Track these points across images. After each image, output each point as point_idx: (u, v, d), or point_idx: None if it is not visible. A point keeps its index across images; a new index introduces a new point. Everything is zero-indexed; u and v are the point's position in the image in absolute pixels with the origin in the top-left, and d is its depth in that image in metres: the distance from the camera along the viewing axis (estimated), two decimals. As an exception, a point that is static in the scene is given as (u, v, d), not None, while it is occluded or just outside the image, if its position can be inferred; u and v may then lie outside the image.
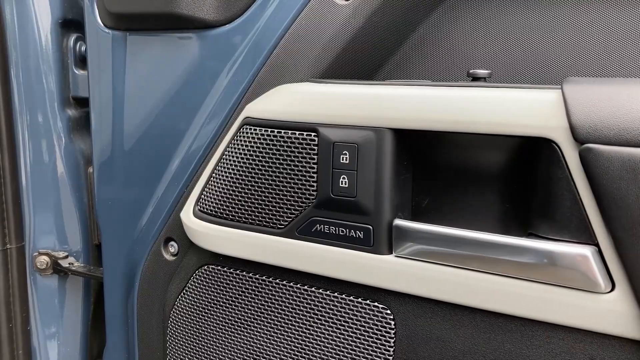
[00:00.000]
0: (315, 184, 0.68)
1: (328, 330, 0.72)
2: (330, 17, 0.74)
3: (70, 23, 1.04)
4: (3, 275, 1.02)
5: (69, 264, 1.05)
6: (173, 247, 0.86)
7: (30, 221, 1.05)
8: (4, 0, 0.99)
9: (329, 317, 0.71)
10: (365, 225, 0.65)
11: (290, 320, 0.74)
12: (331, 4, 0.74)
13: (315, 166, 0.68)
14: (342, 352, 0.71)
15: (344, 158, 0.65)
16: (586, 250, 0.56)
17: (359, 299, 0.69)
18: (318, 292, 0.72)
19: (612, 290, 0.55)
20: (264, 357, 0.78)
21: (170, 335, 0.86)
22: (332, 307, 0.71)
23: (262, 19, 0.78)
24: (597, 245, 0.56)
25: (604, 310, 0.56)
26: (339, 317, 0.71)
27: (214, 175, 0.77)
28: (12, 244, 1.03)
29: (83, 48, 1.06)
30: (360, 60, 0.77)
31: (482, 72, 0.66)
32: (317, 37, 0.74)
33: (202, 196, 0.78)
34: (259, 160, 0.72)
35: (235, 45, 0.80)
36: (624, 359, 0.57)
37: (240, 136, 0.74)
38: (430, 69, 0.79)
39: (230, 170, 0.75)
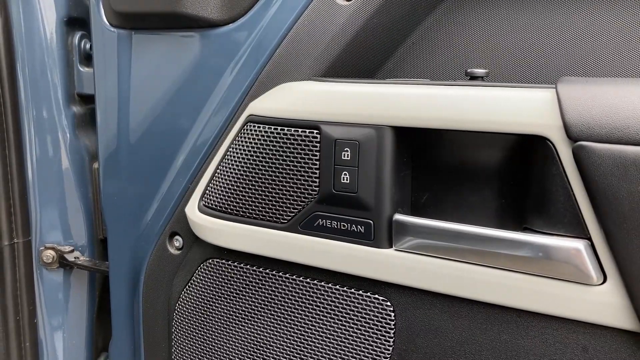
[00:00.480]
0: (317, 180, 0.70)
1: (330, 322, 0.74)
2: (332, 17, 0.75)
3: (75, 21, 1.06)
4: (10, 269, 1.04)
5: (75, 258, 1.07)
6: (178, 241, 0.88)
7: (36, 216, 1.06)
8: (11, -1, 1.01)
9: (331, 309, 0.74)
10: (366, 220, 0.67)
11: (293, 312, 0.77)
12: (333, 4, 0.75)
13: (317, 163, 0.70)
14: (344, 342, 0.73)
15: (346, 155, 0.67)
16: (579, 244, 0.58)
17: (360, 291, 0.71)
18: (320, 285, 0.74)
19: (603, 282, 0.57)
20: (267, 349, 0.80)
21: (175, 328, 0.88)
22: (334, 299, 0.73)
23: (265, 18, 0.80)
24: (589, 239, 0.58)
25: (596, 302, 0.58)
26: (341, 309, 0.73)
27: (218, 171, 0.79)
28: (19, 238, 1.05)
29: (88, 46, 1.08)
30: (361, 59, 0.79)
31: (479, 71, 0.68)
32: (319, 36, 0.76)
33: (207, 191, 0.80)
34: (263, 157, 0.74)
35: (238, 44, 0.82)
36: (615, 348, 0.59)
37: (244, 133, 0.76)
38: (429, 67, 0.81)
39: (235, 166, 0.77)
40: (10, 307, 1.04)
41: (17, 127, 1.04)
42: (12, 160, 1.04)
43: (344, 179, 0.68)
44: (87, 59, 1.08)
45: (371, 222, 0.67)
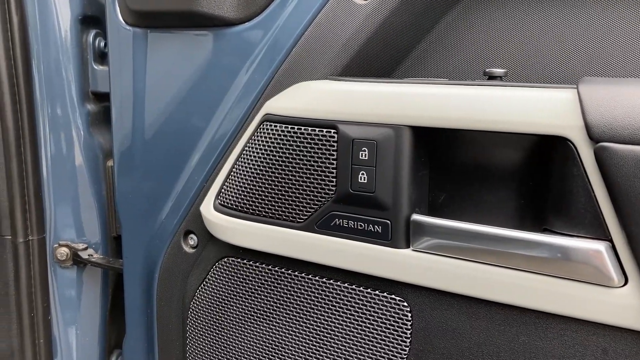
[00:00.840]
0: (334, 180, 0.70)
1: (346, 322, 0.74)
2: (349, 17, 0.75)
3: (90, 19, 1.06)
4: (25, 267, 1.04)
5: (89, 255, 1.07)
6: (193, 239, 0.89)
7: (50, 213, 1.07)
8: (27, -3, 1.01)
9: (346, 309, 0.73)
10: (383, 220, 0.67)
11: (309, 312, 0.77)
12: (350, 3, 0.75)
13: (334, 162, 0.69)
14: (360, 343, 0.73)
15: (363, 154, 0.67)
16: (600, 246, 0.57)
17: (377, 292, 0.71)
18: (336, 285, 0.74)
19: (625, 284, 0.57)
20: (282, 348, 0.80)
21: (190, 326, 0.88)
22: (350, 299, 0.73)
23: (281, 17, 0.80)
24: (610, 240, 0.57)
25: (616, 304, 0.57)
26: (357, 309, 0.73)
27: (234, 170, 0.79)
28: (33, 235, 1.05)
29: (102, 44, 1.08)
30: (378, 58, 0.79)
31: (498, 71, 0.68)
32: (336, 35, 0.76)
33: (223, 190, 0.80)
34: (279, 156, 0.74)
35: (254, 43, 0.82)
36: (636, 351, 0.58)
37: (260, 132, 0.76)
38: (447, 67, 0.81)
39: (251, 165, 0.77)
40: (25, 304, 1.05)
41: (32, 125, 1.04)
42: (27, 158, 1.04)
43: (361, 179, 0.68)
44: (101, 57, 1.08)
45: (388, 222, 0.67)
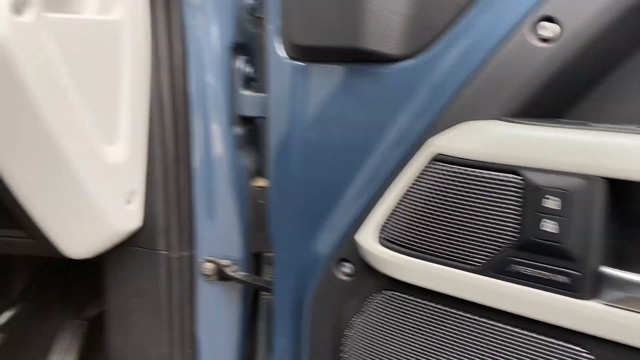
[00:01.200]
0: (516, 226, 0.69)
1: (520, 368, 0.74)
2: (526, 60, 0.75)
3: (239, 47, 1.12)
4: (178, 281, 1.11)
5: (233, 272, 1.13)
6: (346, 267, 0.91)
7: (199, 230, 1.13)
8: (187, 24, 1.08)
9: (520, 355, 0.73)
10: (569, 270, 0.67)
11: (476, 354, 0.77)
12: (528, 45, 0.75)
13: (516, 208, 0.69)
14: (533, 389, 0.73)
15: (552, 203, 0.67)
16: None
17: (554, 340, 0.71)
18: (509, 329, 0.74)
19: None
20: None
21: (345, 354, 0.91)
22: (525, 346, 0.72)
23: (449, 56, 0.81)
24: None
25: None
26: (533, 357, 0.72)
27: (400, 206, 0.81)
28: (185, 251, 1.12)
29: (248, 70, 1.14)
30: (552, 101, 0.78)
31: (695, 120, 0.66)
32: (509, 79, 0.76)
33: (388, 225, 0.82)
34: (452, 198, 0.75)
35: (417, 81, 0.83)
36: None
37: (429, 171, 0.77)
38: (627, 111, 0.78)
39: (420, 204, 0.78)
40: (176, 315, 1.12)
41: (187, 147, 1.11)
42: (182, 178, 1.11)
43: (547, 228, 0.67)
44: (247, 82, 1.14)
45: (576, 273, 0.66)
